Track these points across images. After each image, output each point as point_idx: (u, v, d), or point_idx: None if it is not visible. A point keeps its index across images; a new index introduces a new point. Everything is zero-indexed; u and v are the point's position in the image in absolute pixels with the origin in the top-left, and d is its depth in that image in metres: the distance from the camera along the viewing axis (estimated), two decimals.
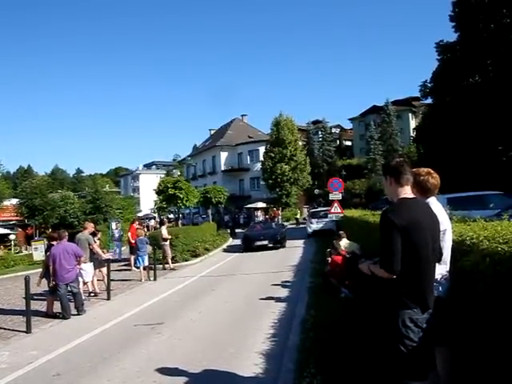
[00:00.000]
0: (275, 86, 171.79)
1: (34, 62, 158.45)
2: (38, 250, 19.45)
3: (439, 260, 2.81)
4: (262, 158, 45.45)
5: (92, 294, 10.50)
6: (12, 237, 28.95)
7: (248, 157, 50.05)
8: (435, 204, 3.09)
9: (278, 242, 18.91)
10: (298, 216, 39.03)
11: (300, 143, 47.28)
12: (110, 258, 12.25)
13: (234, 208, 43.94)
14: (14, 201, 35.56)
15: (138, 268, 13.16)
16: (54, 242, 8.91)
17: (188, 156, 60.93)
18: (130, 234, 16.28)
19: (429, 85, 25.29)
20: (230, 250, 21.08)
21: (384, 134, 55.08)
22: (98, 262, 10.69)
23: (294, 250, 17.60)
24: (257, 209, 43.07)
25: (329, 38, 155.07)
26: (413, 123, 56.57)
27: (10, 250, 26.80)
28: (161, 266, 14.72)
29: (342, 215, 16.37)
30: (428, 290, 2.59)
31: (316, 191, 46.11)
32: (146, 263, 12.96)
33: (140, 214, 57.99)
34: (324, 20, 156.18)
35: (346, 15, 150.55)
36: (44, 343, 6.62)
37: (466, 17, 22.01)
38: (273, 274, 11.89)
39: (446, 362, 2.98)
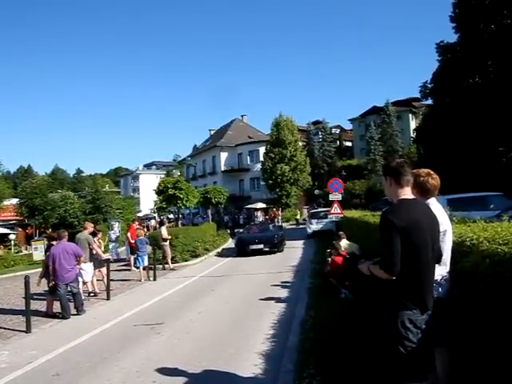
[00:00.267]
0: (275, 86, 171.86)
1: (34, 61, 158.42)
2: (37, 250, 19.44)
3: (439, 261, 2.81)
4: (261, 159, 45.47)
5: (92, 294, 10.50)
6: (12, 236, 28.93)
7: (248, 157, 50.05)
8: (435, 205, 3.09)
9: (274, 246, 17.38)
10: (298, 216, 39.00)
11: (300, 144, 47.29)
12: (110, 258, 12.26)
13: (234, 208, 43.93)
14: (14, 200, 35.52)
15: (137, 268, 13.17)
16: (54, 242, 8.92)
17: (188, 156, 60.92)
18: (129, 234, 16.28)
19: (429, 85, 25.32)
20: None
21: (384, 135, 55.08)
22: (97, 262, 10.70)
23: (294, 251, 17.59)
24: (257, 209, 43.07)
25: (329, 39, 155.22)
26: (413, 124, 56.59)
27: (10, 249, 26.79)
28: (160, 266, 14.72)
29: (341, 216, 16.37)
30: (427, 291, 2.59)
31: (316, 192, 46.10)
32: (146, 263, 12.96)
33: (140, 214, 57.94)
34: (324, 20, 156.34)
35: (346, 16, 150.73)
36: (43, 343, 6.62)
37: (467, 18, 22.02)
38: (272, 274, 11.89)
39: (445, 363, 2.98)
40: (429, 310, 2.57)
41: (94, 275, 10.55)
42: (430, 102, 27.62)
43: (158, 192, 22.55)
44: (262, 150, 46.15)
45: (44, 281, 8.75)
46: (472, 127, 20.22)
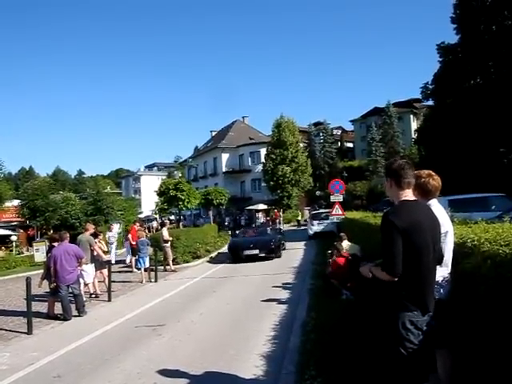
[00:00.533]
0: (276, 87, 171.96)
1: (35, 63, 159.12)
2: (39, 252, 19.45)
3: (440, 262, 2.80)
4: (263, 160, 45.50)
5: (93, 296, 10.50)
6: (13, 238, 28.98)
7: (249, 158, 50.09)
8: (436, 206, 3.09)
9: (271, 251, 15.81)
10: (299, 218, 39.01)
11: (301, 145, 47.32)
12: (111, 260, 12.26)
13: (235, 210, 43.94)
14: (16, 202, 35.58)
15: (138, 269, 13.17)
16: (56, 244, 8.93)
17: (189, 157, 61.06)
18: (130, 235, 16.30)
19: (430, 86, 25.32)
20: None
21: (385, 136, 55.07)
22: (99, 264, 10.69)
23: (295, 252, 17.59)
24: (258, 210, 43.09)
25: (330, 40, 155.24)
26: (414, 125, 56.54)
27: (12, 251, 26.82)
28: (162, 267, 14.72)
29: (343, 217, 16.36)
30: (428, 293, 2.58)
31: (317, 193, 46.09)
32: (147, 265, 12.96)
33: (141, 216, 57.99)
34: (325, 22, 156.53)
35: (346, 17, 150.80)
36: (45, 344, 6.62)
37: (468, 19, 22.03)
38: (274, 275, 11.88)
39: (446, 364, 2.98)
40: (430, 311, 2.57)
41: (95, 277, 10.56)
42: (431, 103, 27.64)
43: (160, 193, 22.57)
44: (263, 151, 46.19)
45: (45, 282, 8.75)
46: (473, 128, 20.21)
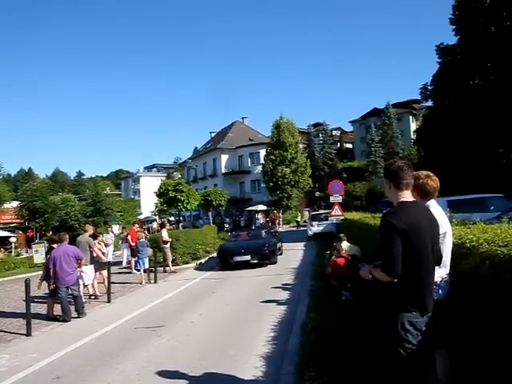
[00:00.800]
0: (276, 88, 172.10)
1: (34, 63, 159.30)
2: (38, 253, 19.46)
3: (439, 263, 2.81)
4: (262, 161, 45.55)
5: (92, 297, 10.50)
6: (13, 239, 28.96)
7: (249, 159, 50.14)
8: (435, 207, 3.10)
9: (264, 257, 14.16)
10: (299, 219, 39.01)
11: (301, 146, 47.41)
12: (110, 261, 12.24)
13: (235, 211, 43.95)
14: (15, 203, 35.57)
15: (138, 271, 13.16)
16: (55, 245, 8.93)
17: (189, 158, 61.03)
18: (130, 236, 16.29)
19: (429, 87, 25.30)
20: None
21: (385, 137, 55.16)
22: (98, 265, 10.69)
23: (295, 253, 17.57)
24: (257, 211, 43.08)
25: (329, 41, 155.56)
26: (413, 126, 56.61)
27: (11, 252, 26.81)
28: (161, 268, 14.72)
29: (342, 218, 16.37)
30: (427, 293, 2.59)
31: (317, 194, 46.15)
32: (147, 266, 12.96)
33: (141, 217, 57.98)
34: (324, 22, 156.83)
35: (346, 18, 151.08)
36: (44, 346, 6.62)
37: (467, 20, 22.05)
38: (273, 276, 11.88)
39: (445, 365, 2.99)
40: (429, 312, 2.58)
41: (94, 278, 10.55)
42: (430, 103, 27.60)
43: (159, 194, 22.56)
44: (263, 152, 46.25)
45: (45, 284, 8.75)
46: (472, 129, 20.22)
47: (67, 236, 8.97)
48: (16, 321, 8.50)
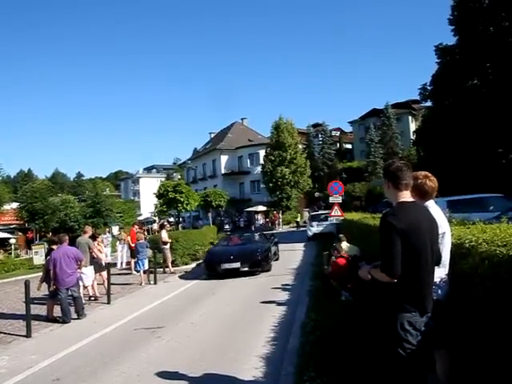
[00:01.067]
0: (275, 89, 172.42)
1: (33, 64, 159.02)
2: (38, 254, 19.46)
3: (438, 263, 2.81)
4: (262, 162, 45.60)
5: (92, 298, 10.49)
6: (12, 241, 28.98)
7: (248, 160, 50.16)
8: (433, 207, 3.10)
9: (256, 265, 12.56)
10: (299, 219, 39.03)
11: (300, 146, 47.49)
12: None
13: (235, 211, 43.97)
14: (15, 205, 35.58)
15: (138, 272, 13.15)
16: (55, 246, 8.93)
17: (188, 159, 61.05)
18: (129, 237, 16.29)
19: (428, 88, 25.34)
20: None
21: (384, 137, 55.20)
22: (98, 266, 10.68)
23: (295, 253, 17.57)
24: (257, 212, 43.15)
25: (328, 41, 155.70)
26: (413, 126, 56.64)
27: (11, 254, 26.82)
28: (161, 269, 14.71)
29: (342, 218, 16.38)
30: (427, 293, 2.59)
31: (316, 194, 46.17)
32: (146, 267, 12.95)
33: (140, 218, 58.04)
34: (324, 23, 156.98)
35: (345, 18, 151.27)
36: (44, 347, 6.61)
37: (465, 20, 22.09)
38: (273, 277, 11.88)
39: (445, 365, 2.99)
40: (428, 312, 2.58)
41: (94, 279, 10.55)
42: (429, 104, 27.65)
43: (159, 195, 22.56)
44: (262, 152, 46.29)
45: (44, 285, 8.74)
46: (471, 129, 20.25)
47: (67, 237, 8.96)
48: (16, 322, 8.49)
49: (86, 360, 5.78)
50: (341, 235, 9.88)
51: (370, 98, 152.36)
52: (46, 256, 9.86)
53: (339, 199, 16.79)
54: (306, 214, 37.88)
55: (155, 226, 39.97)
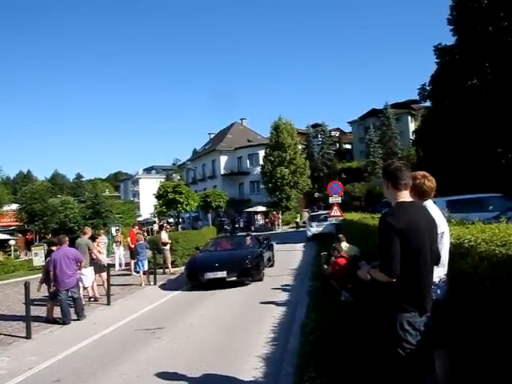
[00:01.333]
0: (274, 89, 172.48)
1: (33, 65, 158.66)
2: (37, 256, 19.46)
3: (437, 263, 2.82)
4: (261, 162, 45.60)
5: (92, 299, 10.48)
6: (12, 242, 28.98)
7: (247, 161, 50.16)
8: (432, 207, 3.11)
9: (245, 274, 11.01)
10: (298, 219, 39.06)
11: (299, 147, 47.52)
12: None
13: (234, 212, 43.98)
14: (14, 206, 35.62)
15: (137, 273, 13.15)
16: (54, 248, 8.92)
17: (188, 160, 61.10)
18: (129, 238, 16.28)
19: (427, 88, 25.36)
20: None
21: (383, 137, 55.21)
22: (97, 267, 10.68)
23: (294, 254, 17.58)
24: (257, 213, 43.17)
25: (328, 41, 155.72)
26: (412, 126, 56.67)
27: (10, 255, 26.80)
28: (161, 270, 14.71)
29: (341, 218, 16.39)
30: (426, 293, 2.60)
31: (316, 194, 46.18)
32: (146, 268, 12.95)
33: (140, 219, 58.04)
34: (323, 23, 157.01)
35: (344, 19, 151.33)
36: (44, 349, 6.61)
37: (464, 20, 22.12)
38: (273, 277, 11.87)
39: (444, 364, 2.99)
40: (427, 312, 2.58)
41: (94, 280, 10.54)
42: (428, 104, 27.68)
43: (158, 196, 22.58)
44: (262, 153, 46.30)
45: (44, 286, 8.73)
46: (471, 129, 20.27)
47: (67, 238, 8.96)
48: (16, 323, 8.48)
49: (85, 361, 5.78)
50: (340, 235, 9.88)
51: (370, 98, 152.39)
52: (46, 257, 9.85)
53: (339, 199, 16.81)
54: (306, 215, 37.89)
55: (156, 227, 39.96)
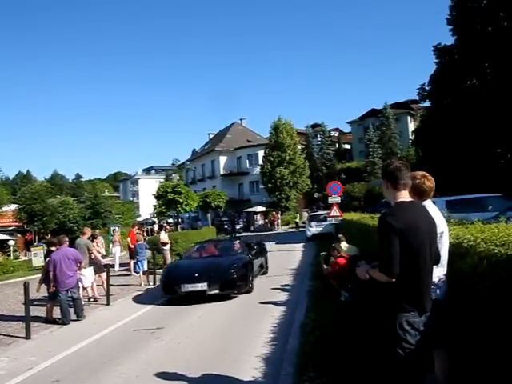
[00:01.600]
0: (274, 89, 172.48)
1: (33, 66, 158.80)
2: (37, 256, 19.44)
3: (437, 263, 2.82)
4: (261, 162, 45.60)
5: (92, 300, 10.48)
6: (11, 242, 28.95)
7: (247, 161, 50.16)
8: (431, 207, 3.11)
9: (230, 286, 9.36)
10: (298, 220, 39.06)
11: (299, 147, 47.50)
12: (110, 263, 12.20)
13: (234, 212, 43.97)
14: (13, 206, 35.60)
15: (137, 273, 13.14)
16: (53, 248, 8.92)
17: (187, 160, 61.09)
18: (129, 238, 16.28)
19: (427, 88, 25.36)
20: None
21: (383, 137, 55.24)
22: (97, 267, 10.68)
23: (294, 254, 17.58)
24: (256, 213, 43.16)
25: (327, 42, 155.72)
26: (411, 126, 56.66)
27: (9, 255, 26.78)
28: (161, 270, 14.68)
29: (341, 218, 16.39)
30: (425, 293, 2.60)
31: (315, 195, 46.20)
32: (146, 268, 12.95)
33: (139, 219, 57.98)
34: (322, 23, 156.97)
35: (343, 18, 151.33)
36: (43, 349, 6.61)
37: (464, 20, 22.12)
38: (272, 277, 11.87)
39: (444, 364, 2.99)
40: (427, 311, 2.58)
41: (94, 280, 10.54)
42: (428, 104, 27.70)
43: (158, 196, 22.58)
44: (261, 153, 46.31)
45: (43, 287, 8.73)
46: (470, 129, 20.28)
47: (67, 239, 8.96)
48: (15, 324, 8.48)
49: (85, 361, 5.79)
50: (340, 235, 9.90)
51: (369, 98, 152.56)
52: (45, 257, 9.85)
53: (338, 199, 16.81)
54: (305, 215, 37.89)
55: (156, 227, 39.96)
